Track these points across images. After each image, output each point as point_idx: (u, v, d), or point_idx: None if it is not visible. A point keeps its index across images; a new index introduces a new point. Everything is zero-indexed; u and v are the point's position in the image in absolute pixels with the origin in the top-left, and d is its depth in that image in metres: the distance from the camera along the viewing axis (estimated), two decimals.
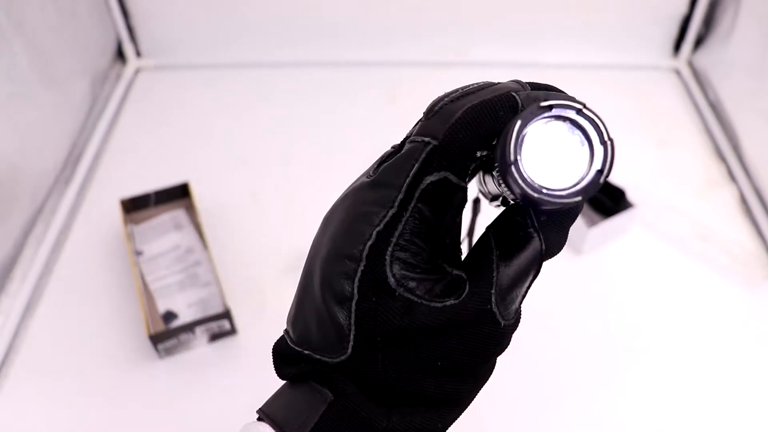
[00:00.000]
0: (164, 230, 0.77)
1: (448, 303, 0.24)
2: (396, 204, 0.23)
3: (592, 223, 0.76)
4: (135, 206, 0.78)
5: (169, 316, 0.69)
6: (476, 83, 0.26)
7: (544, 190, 0.22)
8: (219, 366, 0.66)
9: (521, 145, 0.22)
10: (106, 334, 0.69)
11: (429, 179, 0.23)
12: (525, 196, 0.22)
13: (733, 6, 0.97)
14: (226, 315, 0.65)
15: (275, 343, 0.29)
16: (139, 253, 0.75)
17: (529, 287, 0.26)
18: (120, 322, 0.69)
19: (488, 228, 0.26)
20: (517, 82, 0.26)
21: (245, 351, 0.67)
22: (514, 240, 0.25)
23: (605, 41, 1.07)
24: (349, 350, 0.24)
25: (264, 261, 0.76)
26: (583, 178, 0.23)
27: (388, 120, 0.96)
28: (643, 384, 0.65)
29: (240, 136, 0.93)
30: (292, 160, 0.90)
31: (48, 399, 0.64)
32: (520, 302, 0.26)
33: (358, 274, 0.23)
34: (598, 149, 0.23)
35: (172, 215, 0.79)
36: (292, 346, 0.27)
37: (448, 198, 0.23)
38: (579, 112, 0.23)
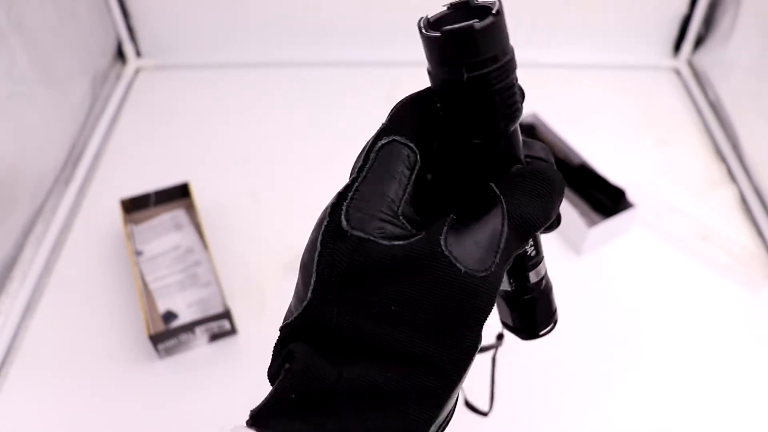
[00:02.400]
0: (164, 230, 0.77)
1: (397, 243, 0.25)
2: (356, 170, 0.27)
3: (592, 223, 0.76)
4: (135, 206, 0.78)
5: (169, 316, 0.69)
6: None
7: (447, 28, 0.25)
8: (219, 366, 0.66)
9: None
10: (106, 334, 0.69)
11: (379, 143, 0.28)
12: (438, 38, 0.26)
13: (733, 6, 0.97)
14: (226, 315, 0.65)
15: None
16: (139, 253, 0.75)
17: (508, 250, 0.26)
18: (120, 322, 0.69)
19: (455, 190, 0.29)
20: None
21: (245, 351, 0.67)
22: (476, 203, 0.27)
23: (605, 41, 1.07)
24: (309, 295, 0.25)
25: (264, 261, 0.76)
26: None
27: None
28: (643, 384, 0.65)
29: (240, 136, 0.93)
30: (292, 160, 0.90)
31: (48, 399, 0.64)
32: (497, 260, 0.25)
33: (322, 228, 0.26)
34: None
35: (172, 215, 0.79)
36: (280, 330, 0.28)
37: (396, 154, 0.27)
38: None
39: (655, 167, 0.89)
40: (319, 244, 0.26)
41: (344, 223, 0.25)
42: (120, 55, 1.06)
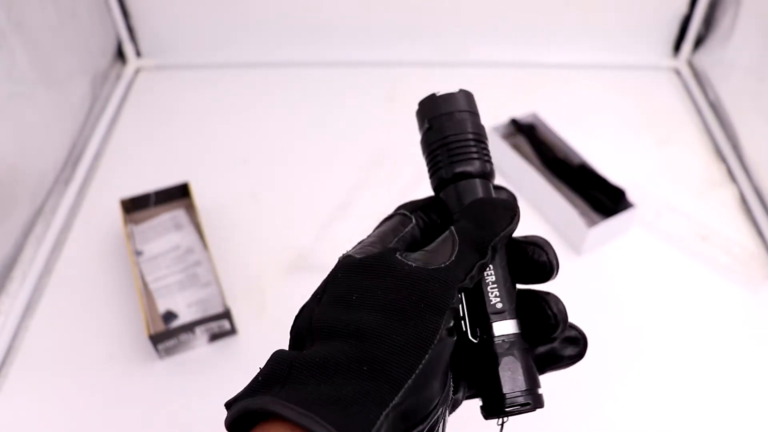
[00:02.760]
0: (164, 230, 0.77)
1: (366, 256, 0.30)
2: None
3: (592, 223, 0.76)
4: (135, 206, 0.78)
5: (169, 316, 0.69)
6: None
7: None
8: (219, 366, 0.66)
9: None
10: (106, 334, 0.69)
11: (386, 217, 0.35)
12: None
13: (733, 6, 0.97)
14: (226, 315, 0.65)
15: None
16: (139, 253, 0.75)
17: (464, 257, 0.29)
18: (120, 322, 0.69)
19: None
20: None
21: (245, 351, 0.67)
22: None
23: (605, 41, 1.07)
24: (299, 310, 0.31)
25: (264, 261, 0.76)
26: None
27: (388, 120, 0.96)
28: (643, 384, 0.65)
29: (240, 136, 0.93)
30: (292, 160, 0.90)
31: (48, 399, 0.64)
32: (453, 259, 0.29)
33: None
34: None
35: (172, 215, 0.79)
36: None
37: (398, 219, 0.35)
38: None
39: (655, 167, 0.89)
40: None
41: (343, 254, 0.31)
42: (120, 55, 1.06)
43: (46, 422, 0.62)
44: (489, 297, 0.31)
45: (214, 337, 0.67)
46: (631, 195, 0.77)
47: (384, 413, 0.24)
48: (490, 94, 1.06)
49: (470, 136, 0.33)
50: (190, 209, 0.79)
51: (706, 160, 0.91)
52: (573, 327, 0.34)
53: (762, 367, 0.67)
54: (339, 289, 0.29)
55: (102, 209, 0.81)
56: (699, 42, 1.07)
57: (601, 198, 0.78)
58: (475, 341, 0.31)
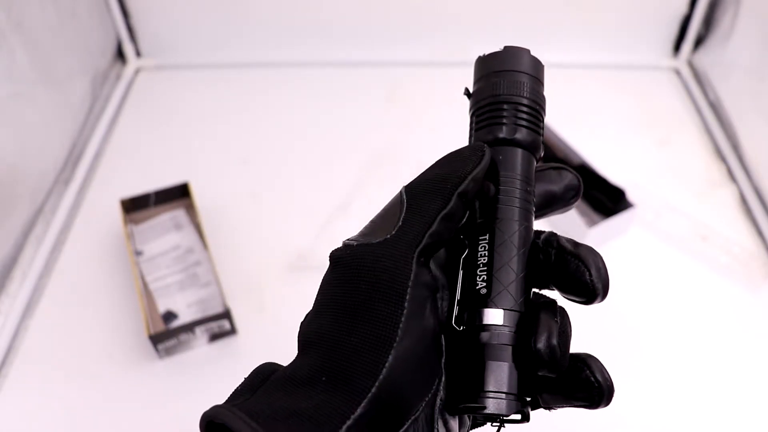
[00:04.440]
0: (164, 230, 0.77)
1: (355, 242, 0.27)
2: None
3: (592, 223, 0.76)
4: (135, 206, 0.78)
5: (169, 316, 0.69)
6: None
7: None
8: (219, 366, 0.66)
9: None
10: (106, 334, 0.69)
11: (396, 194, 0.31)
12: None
13: (733, 6, 0.97)
14: (226, 315, 0.65)
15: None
16: (139, 253, 0.75)
17: (418, 209, 0.25)
18: (120, 322, 0.69)
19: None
20: None
21: (245, 351, 0.67)
22: None
23: (605, 41, 1.07)
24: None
25: (264, 261, 0.76)
26: None
27: (388, 120, 0.96)
28: (643, 384, 0.65)
29: (240, 136, 0.93)
30: (292, 160, 0.90)
31: (48, 399, 0.64)
32: (400, 222, 0.25)
33: None
34: None
35: (172, 215, 0.79)
36: None
37: (396, 199, 0.30)
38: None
39: (655, 167, 0.89)
40: None
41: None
42: (120, 55, 1.06)
43: (46, 422, 0.62)
44: (476, 279, 0.26)
45: (214, 337, 0.67)
46: (631, 195, 0.77)
47: (344, 427, 0.21)
48: None
49: (526, 102, 0.28)
50: (190, 209, 0.79)
51: (706, 160, 0.91)
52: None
53: (762, 366, 0.67)
54: (319, 292, 0.26)
55: (102, 209, 0.81)
56: (699, 42, 1.07)
57: (601, 198, 0.78)
58: (458, 329, 0.26)
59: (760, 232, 0.80)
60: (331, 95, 1.01)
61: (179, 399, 0.63)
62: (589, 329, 0.72)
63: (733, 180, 0.88)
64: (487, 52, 0.30)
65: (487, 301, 0.26)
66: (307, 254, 0.76)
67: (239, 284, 0.73)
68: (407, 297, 0.23)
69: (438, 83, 1.03)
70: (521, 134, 0.28)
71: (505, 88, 0.28)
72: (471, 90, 0.31)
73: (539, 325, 0.24)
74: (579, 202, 0.80)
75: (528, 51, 0.29)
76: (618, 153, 0.90)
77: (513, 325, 0.26)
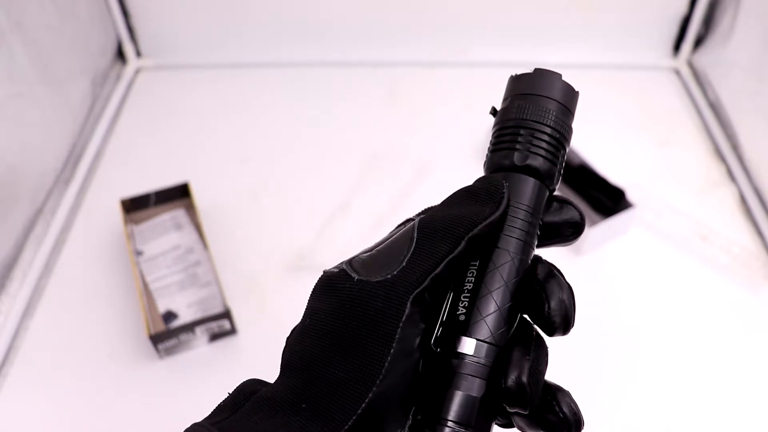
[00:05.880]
0: (164, 230, 0.77)
1: (332, 270, 0.26)
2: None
3: (591, 223, 0.76)
4: (135, 206, 0.78)
5: (169, 316, 0.69)
6: None
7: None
8: (219, 366, 0.66)
9: None
10: (106, 334, 0.69)
11: (405, 220, 0.29)
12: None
13: (733, 6, 0.97)
14: (226, 315, 0.65)
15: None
16: (139, 253, 0.75)
17: (425, 250, 0.24)
18: (120, 322, 0.69)
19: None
20: None
21: (245, 351, 0.67)
22: None
23: (605, 41, 1.07)
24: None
25: (264, 261, 0.76)
26: None
27: (388, 120, 0.96)
28: (643, 384, 0.66)
29: (240, 136, 0.93)
30: (292, 160, 0.90)
31: (48, 399, 0.64)
32: (404, 263, 0.24)
33: None
34: None
35: (172, 215, 0.79)
36: None
37: (408, 229, 0.28)
38: None
39: (655, 167, 0.89)
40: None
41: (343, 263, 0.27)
42: (120, 55, 1.06)
43: (46, 422, 0.62)
44: (458, 305, 0.26)
45: (214, 337, 0.67)
46: (630, 195, 0.77)
47: None
48: (490, 94, 1.06)
49: (548, 130, 0.27)
50: (190, 209, 0.79)
51: (706, 160, 0.91)
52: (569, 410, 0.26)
53: (762, 366, 0.67)
54: (306, 312, 0.26)
55: (102, 209, 0.81)
56: (699, 42, 1.07)
57: (601, 198, 0.78)
58: (436, 350, 0.26)
59: (759, 232, 0.80)
60: (331, 95, 1.01)
61: (179, 399, 0.63)
62: (588, 329, 0.72)
63: (732, 180, 0.88)
64: (519, 72, 0.29)
65: (464, 329, 0.25)
66: (307, 254, 0.76)
67: (239, 284, 0.73)
68: (396, 337, 0.23)
69: (438, 83, 1.03)
70: (536, 162, 0.27)
71: (528, 113, 0.27)
72: (498, 108, 0.30)
73: (510, 363, 0.24)
74: (579, 202, 0.80)
75: (559, 76, 0.28)
76: (618, 153, 0.90)
77: (486, 356, 0.25)
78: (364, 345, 0.23)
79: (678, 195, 0.84)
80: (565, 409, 0.25)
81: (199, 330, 0.65)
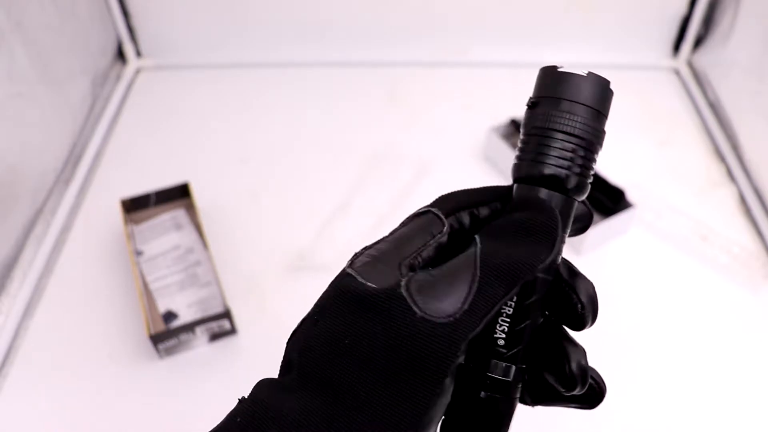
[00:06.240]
0: (164, 230, 0.77)
1: (370, 284, 0.24)
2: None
3: (592, 223, 0.76)
4: (135, 206, 0.78)
5: (170, 316, 0.69)
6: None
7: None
8: (219, 366, 0.66)
9: None
10: (106, 334, 0.69)
11: (416, 212, 0.28)
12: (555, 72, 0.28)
13: (733, 6, 0.97)
14: (226, 315, 0.65)
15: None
16: (139, 253, 0.75)
17: (485, 296, 0.24)
18: (120, 322, 0.69)
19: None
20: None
21: (245, 351, 0.67)
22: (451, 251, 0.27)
23: (605, 41, 1.07)
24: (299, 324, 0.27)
25: (264, 261, 0.76)
26: None
27: (388, 120, 0.96)
28: (642, 384, 0.66)
29: (240, 136, 0.93)
30: (292, 160, 0.90)
31: (48, 399, 0.64)
32: (466, 306, 0.23)
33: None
34: None
35: (172, 215, 0.79)
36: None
37: (425, 222, 0.28)
38: None
39: (655, 167, 0.89)
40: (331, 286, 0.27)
41: (347, 265, 0.26)
42: (120, 55, 1.06)
43: (46, 422, 0.62)
44: (496, 329, 0.26)
45: (214, 336, 0.67)
46: (630, 195, 0.77)
47: None
48: (490, 94, 1.06)
49: (574, 140, 0.26)
50: (190, 209, 0.79)
51: (706, 160, 0.91)
52: (593, 377, 0.29)
53: (762, 366, 0.67)
54: (333, 325, 0.25)
55: (102, 209, 0.81)
56: (698, 42, 1.07)
57: (601, 198, 0.78)
58: (469, 365, 0.26)
59: (759, 232, 0.80)
60: (331, 95, 1.01)
61: (179, 399, 0.63)
62: (588, 329, 0.72)
63: (732, 180, 0.88)
64: (566, 68, 0.27)
65: (501, 355, 0.26)
66: (307, 254, 0.76)
67: (239, 284, 0.73)
68: (446, 379, 0.23)
69: (438, 83, 1.03)
70: (570, 181, 0.27)
71: (568, 124, 0.26)
72: (533, 101, 0.28)
73: (567, 352, 0.27)
74: None
75: (608, 83, 0.27)
76: (618, 153, 0.90)
77: (514, 378, 0.27)
78: (414, 384, 0.22)
79: (678, 195, 0.84)
80: (598, 380, 0.29)
81: (199, 330, 0.65)
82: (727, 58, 0.98)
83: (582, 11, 1.04)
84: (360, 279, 0.25)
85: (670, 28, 1.06)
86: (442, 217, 0.28)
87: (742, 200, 0.85)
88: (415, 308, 0.23)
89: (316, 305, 0.26)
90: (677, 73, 1.07)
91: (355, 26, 1.05)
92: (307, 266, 0.75)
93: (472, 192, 0.29)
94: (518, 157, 0.28)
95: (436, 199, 0.29)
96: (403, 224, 0.28)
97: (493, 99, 0.98)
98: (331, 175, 0.87)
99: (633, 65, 1.07)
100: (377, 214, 0.81)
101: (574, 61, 1.06)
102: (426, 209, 0.28)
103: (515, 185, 0.28)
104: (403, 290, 0.24)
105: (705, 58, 1.05)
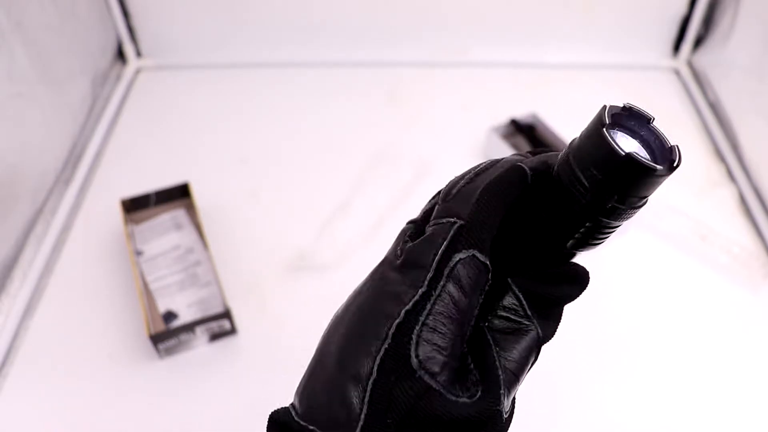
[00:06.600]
0: (164, 230, 0.77)
1: (461, 400, 0.23)
2: (425, 283, 0.23)
3: None
4: (135, 206, 0.78)
5: (170, 316, 0.69)
6: (483, 163, 0.27)
7: (636, 154, 0.22)
8: (219, 366, 0.66)
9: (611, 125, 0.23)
10: (106, 334, 0.69)
11: (458, 256, 0.23)
12: (618, 158, 0.22)
13: (733, 6, 0.97)
14: (226, 315, 0.65)
15: (276, 411, 0.27)
16: (139, 253, 0.75)
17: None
18: (120, 322, 0.69)
19: (478, 319, 0.25)
20: (519, 154, 0.27)
21: (245, 351, 0.67)
22: (509, 332, 0.25)
23: (605, 41, 1.07)
24: (358, 430, 0.23)
25: (264, 261, 0.76)
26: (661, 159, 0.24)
27: (388, 120, 0.96)
28: (642, 384, 0.66)
29: (240, 136, 0.93)
30: (292, 160, 0.90)
31: (48, 399, 0.64)
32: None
33: (381, 352, 0.23)
34: (664, 153, 0.24)
35: (172, 215, 0.79)
36: (297, 420, 0.25)
37: (475, 275, 0.23)
38: (648, 122, 0.24)
39: None
40: (376, 369, 0.23)
41: (413, 359, 0.22)
42: (120, 55, 1.06)
43: (46, 422, 0.62)
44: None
45: (214, 336, 0.67)
46: None
47: None
48: (490, 94, 1.06)
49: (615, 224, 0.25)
50: (190, 209, 0.79)
51: (706, 160, 0.91)
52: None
53: (761, 366, 0.67)
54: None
55: (102, 209, 0.81)
56: (698, 42, 1.07)
57: None
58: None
59: (759, 232, 0.80)
60: (331, 95, 1.01)
61: (179, 399, 0.63)
62: (588, 329, 0.72)
63: (732, 180, 0.88)
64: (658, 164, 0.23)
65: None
66: (307, 254, 0.76)
67: (239, 284, 0.73)
68: None
69: (438, 83, 1.03)
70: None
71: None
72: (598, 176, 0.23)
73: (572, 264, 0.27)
74: None
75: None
76: None
77: None
78: None
79: (678, 195, 0.84)
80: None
81: (199, 330, 0.65)
82: (727, 58, 0.98)
83: (582, 11, 1.04)
84: (452, 398, 0.22)
85: (670, 28, 1.06)
86: (488, 264, 0.24)
87: (742, 200, 0.85)
88: (504, 416, 0.24)
89: (384, 405, 0.23)
90: (677, 73, 1.07)
91: (355, 26, 1.05)
92: (307, 266, 0.75)
93: (499, 204, 0.24)
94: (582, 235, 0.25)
95: (475, 218, 0.23)
96: (440, 271, 0.23)
97: (493, 99, 0.98)
98: (331, 175, 0.87)
99: (633, 65, 1.07)
100: (377, 214, 0.81)
101: (574, 61, 1.07)
102: (467, 252, 0.23)
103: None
104: (503, 408, 0.23)
105: (705, 58, 1.05)
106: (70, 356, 0.67)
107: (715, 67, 1.01)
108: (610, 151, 0.22)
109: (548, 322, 0.26)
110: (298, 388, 0.27)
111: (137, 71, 1.06)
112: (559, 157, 0.25)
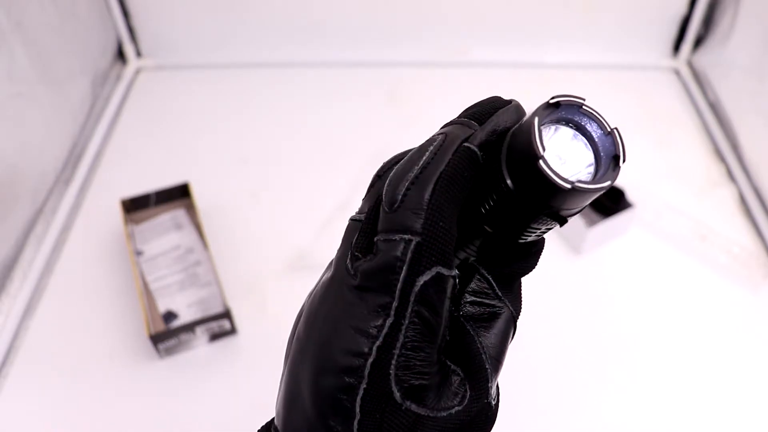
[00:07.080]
0: (164, 230, 0.77)
1: (453, 410, 0.22)
2: (392, 312, 0.21)
3: (591, 223, 0.76)
4: (135, 206, 0.78)
5: (170, 316, 0.69)
6: (418, 146, 0.24)
7: (576, 182, 0.20)
8: (219, 366, 0.66)
9: (542, 141, 0.21)
10: (106, 334, 0.69)
11: (422, 279, 0.21)
12: (556, 188, 0.20)
13: (733, 6, 0.97)
14: (226, 315, 0.65)
15: (262, 427, 0.26)
16: (139, 253, 0.75)
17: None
18: (120, 322, 0.69)
19: (451, 310, 0.24)
20: (459, 122, 0.25)
21: (245, 351, 0.67)
22: (485, 318, 0.24)
23: (605, 41, 1.07)
24: None
25: (264, 261, 0.76)
26: (600, 169, 0.22)
27: (388, 120, 0.96)
28: (642, 384, 0.66)
29: (240, 136, 0.93)
30: (292, 160, 0.90)
31: (48, 399, 0.64)
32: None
33: (360, 392, 0.21)
34: (605, 141, 0.23)
35: (172, 215, 0.79)
36: None
37: (442, 291, 0.22)
38: (580, 107, 0.23)
39: (655, 167, 0.89)
40: (358, 409, 0.21)
41: (396, 394, 0.21)
42: (120, 55, 1.06)
43: (46, 422, 0.62)
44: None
45: (214, 336, 0.67)
46: (630, 195, 0.77)
47: None
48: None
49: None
50: (190, 209, 0.79)
51: (706, 160, 0.91)
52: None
53: (761, 366, 0.67)
54: None
55: (102, 209, 0.81)
56: (698, 42, 1.07)
57: (601, 198, 0.78)
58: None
59: (759, 232, 0.80)
60: (331, 95, 1.01)
61: (179, 399, 0.63)
62: (588, 329, 0.72)
63: (732, 180, 0.88)
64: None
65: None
66: (307, 254, 0.76)
67: (239, 284, 0.73)
68: None
69: (438, 83, 1.03)
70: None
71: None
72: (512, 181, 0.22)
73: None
74: None
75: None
76: None
77: None
78: None
79: (678, 195, 0.84)
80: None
81: (199, 330, 0.65)
82: (727, 58, 0.98)
83: (582, 11, 1.04)
84: (443, 415, 0.22)
85: (670, 28, 1.06)
86: (456, 275, 0.23)
87: (742, 200, 0.85)
88: (492, 404, 0.24)
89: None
90: (677, 73, 1.07)
91: (355, 26, 1.05)
92: (307, 266, 0.75)
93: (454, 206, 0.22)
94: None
95: (431, 228, 0.21)
96: (405, 297, 0.21)
97: None
98: (331, 175, 0.87)
99: (633, 65, 1.07)
100: None
101: (574, 61, 1.07)
102: (430, 272, 0.21)
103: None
104: (491, 398, 0.24)
105: (705, 58, 1.05)
106: (70, 356, 0.67)
107: (715, 67, 1.01)
108: (550, 184, 0.21)
109: (515, 297, 0.26)
110: (277, 410, 0.25)
111: (137, 71, 1.06)
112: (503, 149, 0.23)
